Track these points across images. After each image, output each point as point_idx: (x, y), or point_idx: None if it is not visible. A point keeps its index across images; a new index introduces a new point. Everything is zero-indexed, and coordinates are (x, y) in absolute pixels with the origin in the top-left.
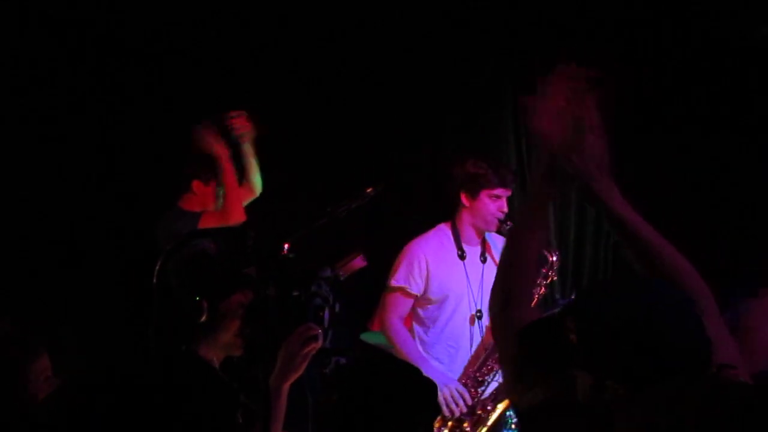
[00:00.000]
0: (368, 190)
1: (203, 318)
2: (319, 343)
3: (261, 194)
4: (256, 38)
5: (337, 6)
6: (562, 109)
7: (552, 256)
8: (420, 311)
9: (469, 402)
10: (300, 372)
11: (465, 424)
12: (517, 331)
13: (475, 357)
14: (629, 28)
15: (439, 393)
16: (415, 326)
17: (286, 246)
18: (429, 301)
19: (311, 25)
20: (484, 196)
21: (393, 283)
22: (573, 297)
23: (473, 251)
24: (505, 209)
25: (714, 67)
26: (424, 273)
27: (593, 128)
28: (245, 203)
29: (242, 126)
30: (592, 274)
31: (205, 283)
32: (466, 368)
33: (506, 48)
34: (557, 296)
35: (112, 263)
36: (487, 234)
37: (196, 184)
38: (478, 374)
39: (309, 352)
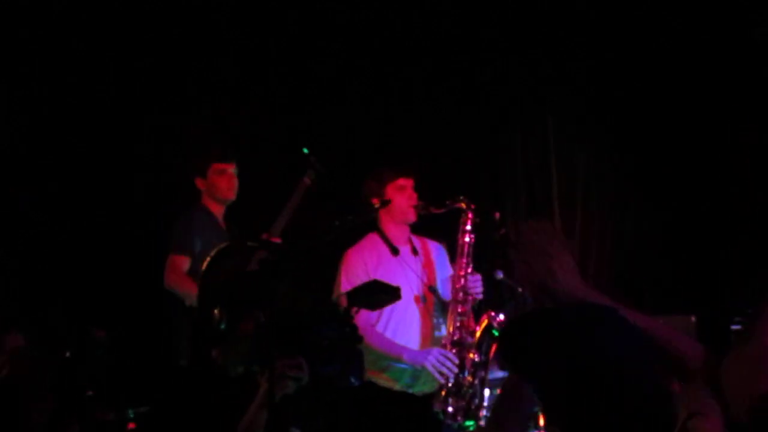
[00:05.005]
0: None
1: (222, 327)
2: (297, 386)
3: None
4: (255, 38)
5: (337, 6)
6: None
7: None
8: None
9: (456, 360)
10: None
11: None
12: None
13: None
14: (629, 28)
15: (428, 365)
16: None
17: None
18: None
19: (311, 25)
20: (390, 192)
21: (341, 292)
22: None
23: (404, 249)
24: (415, 196)
25: (714, 67)
26: (366, 276)
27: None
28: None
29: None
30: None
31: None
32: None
33: (506, 48)
34: None
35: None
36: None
37: (198, 182)
38: (455, 337)
39: (282, 390)
